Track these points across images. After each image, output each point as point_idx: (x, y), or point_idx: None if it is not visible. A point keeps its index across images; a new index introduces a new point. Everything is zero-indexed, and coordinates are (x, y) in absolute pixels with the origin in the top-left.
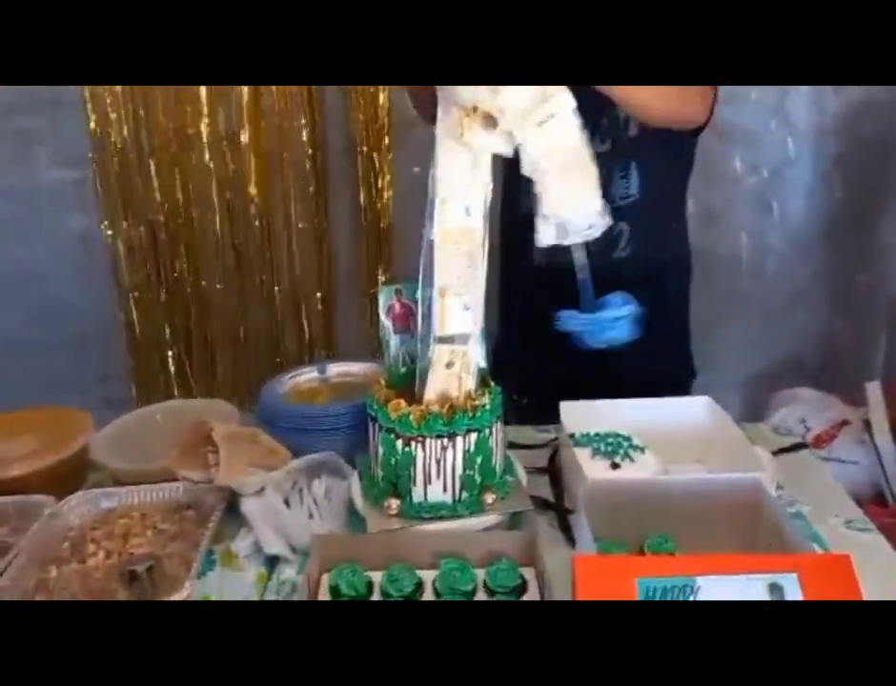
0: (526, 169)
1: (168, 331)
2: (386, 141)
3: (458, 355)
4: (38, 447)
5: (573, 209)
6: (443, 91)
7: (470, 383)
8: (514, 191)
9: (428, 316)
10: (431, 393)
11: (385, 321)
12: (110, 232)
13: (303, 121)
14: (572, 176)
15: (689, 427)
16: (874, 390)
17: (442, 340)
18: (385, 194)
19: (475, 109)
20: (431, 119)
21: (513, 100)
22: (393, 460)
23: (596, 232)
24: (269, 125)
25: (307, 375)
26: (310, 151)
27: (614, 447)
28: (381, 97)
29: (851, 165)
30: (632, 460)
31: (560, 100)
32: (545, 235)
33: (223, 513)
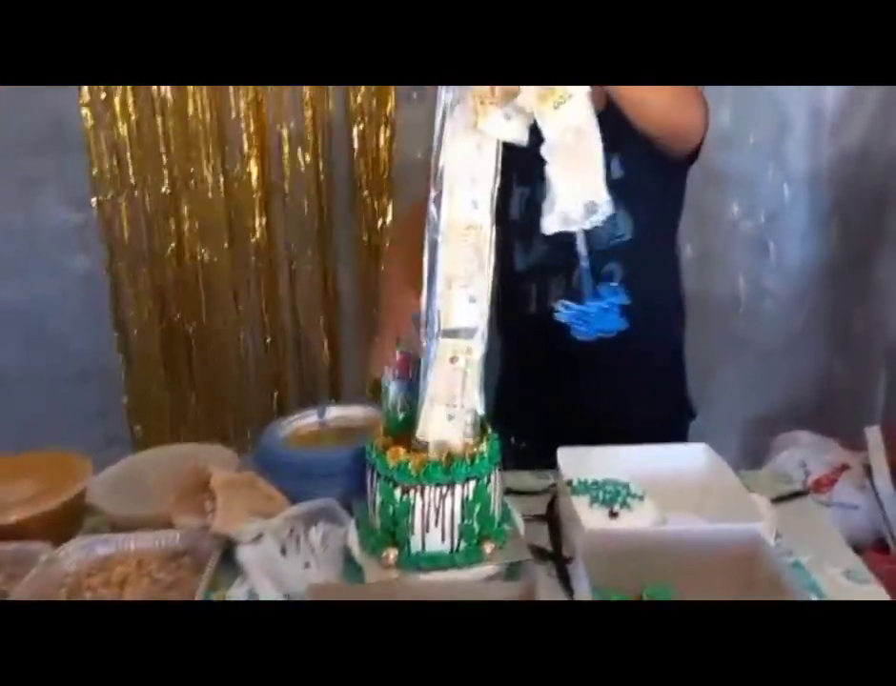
0: (545, 147)
1: (168, 370)
2: (387, 183)
3: (462, 350)
4: (37, 492)
5: (582, 191)
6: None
7: (475, 383)
8: (509, 248)
9: (432, 318)
10: (433, 390)
11: (384, 368)
12: (111, 272)
13: (308, 160)
14: (583, 159)
15: (687, 474)
16: (874, 434)
17: (447, 334)
18: (386, 237)
19: (492, 90)
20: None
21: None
22: (391, 509)
23: (601, 218)
24: (273, 163)
25: (307, 420)
26: (314, 191)
27: (612, 495)
28: (383, 138)
29: (847, 210)
30: (630, 508)
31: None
32: (550, 223)
33: (219, 560)
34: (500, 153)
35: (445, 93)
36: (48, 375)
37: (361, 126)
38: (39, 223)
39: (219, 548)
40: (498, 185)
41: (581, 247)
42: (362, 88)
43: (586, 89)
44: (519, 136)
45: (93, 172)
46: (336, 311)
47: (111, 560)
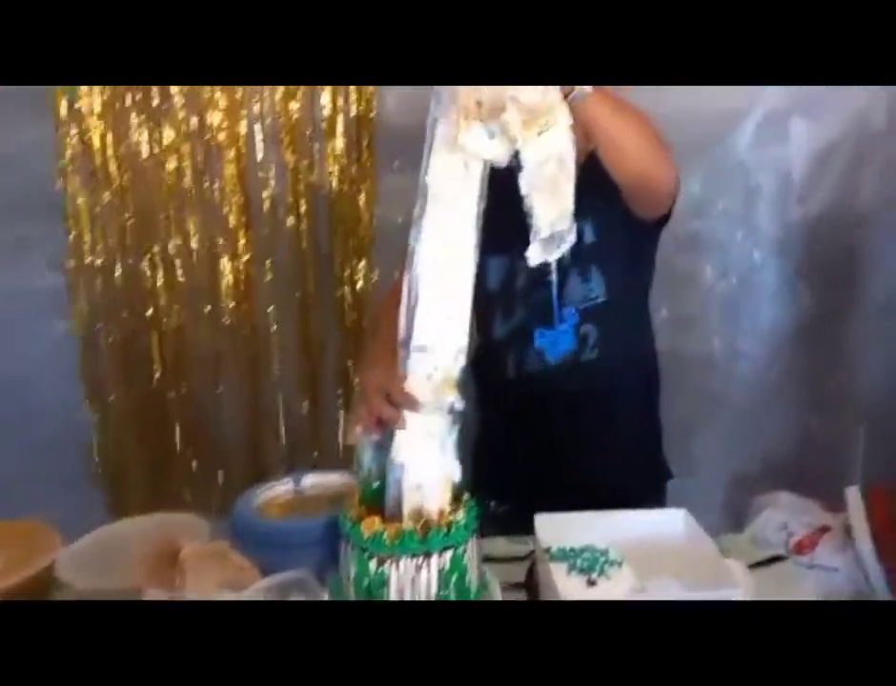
0: (525, 176)
1: (144, 436)
2: (366, 248)
3: (438, 368)
4: (3, 565)
5: (562, 220)
6: (443, 94)
7: (452, 393)
8: (488, 317)
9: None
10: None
11: (360, 435)
12: (87, 336)
13: (289, 223)
14: (560, 188)
15: (666, 540)
16: (853, 495)
17: (422, 349)
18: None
19: (479, 103)
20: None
21: (519, 95)
22: (366, 581)
23: (568, 245)
24: (255, 227)
25: (283, 487)
26: (295, 255)
27: (590, 562)
28: (363, 203)
29: (816, 272)
30: (608, 577)
31: (561, 112)
32: (535, 254)
33: None
34: (487, 175)
35: (433, 107)
36: (21, 441)
37: (343, 190)
38: (27, 286)
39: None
40: (483, 207)
41: (552, 272)
42: (344, 155)
43: (569, 118)
44: (500, 157)
45: (71, 237)
46: (317, 375)
47: None
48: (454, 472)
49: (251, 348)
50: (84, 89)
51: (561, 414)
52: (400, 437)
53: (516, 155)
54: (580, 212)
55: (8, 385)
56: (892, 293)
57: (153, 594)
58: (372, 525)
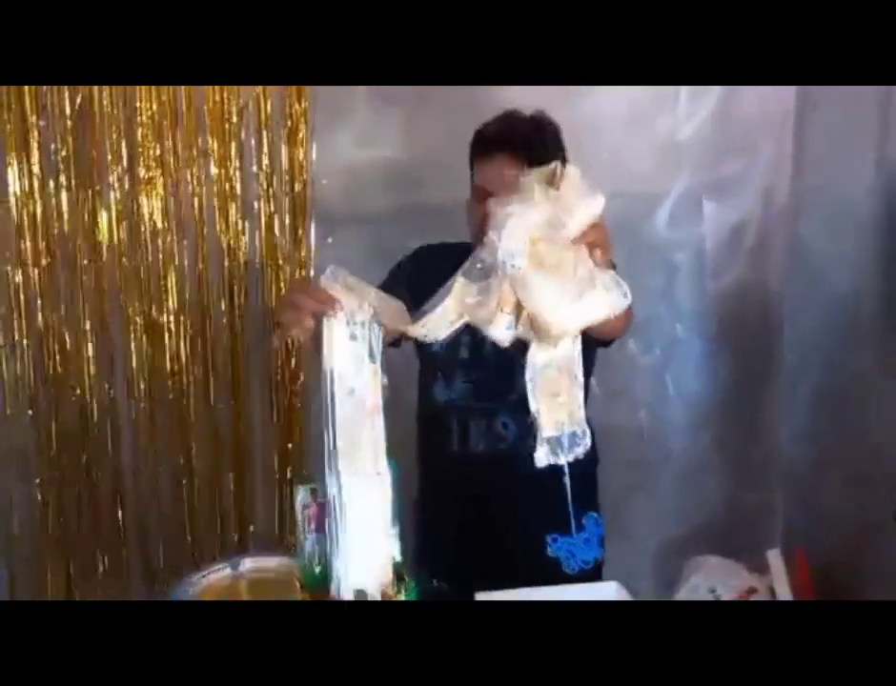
0: (529, 377)
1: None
2: None
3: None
4: None
5: (571, 423)
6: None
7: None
8: (430, 384)
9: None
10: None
11: (301, 521)
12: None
13: (224, 305)
14: (566, 392)
15: None
16: (775, 557)
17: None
18: (299, 377)
19: (514, 301)
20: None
21: (563, 326)
22: None
23: (582, 450)
24: (192, 308)
25: (220, 573)
26: (229, 336)
27: None
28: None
29: (731, 343)
30: None
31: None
32: (541, 455)
33: None
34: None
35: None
36: None
37: (277, 268)
38: None
39: None
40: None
41: (567, 481)
42: (276, 231)
43: (580, 326)
44: (506, 340)
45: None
46: (245, 454)
47: None
48: (394, 550)
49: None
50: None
51: (502, 492)
52: (341, 518)
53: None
54: None
55: None
56: (802, 364)
57: None
58: None
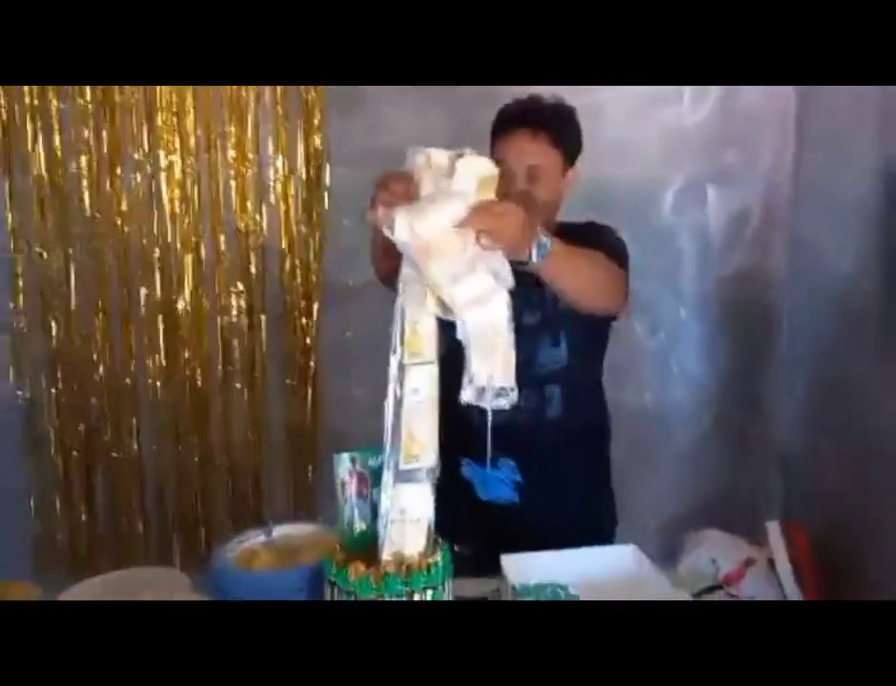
0: (459, 329)
1: (97, 497)
2: (316, 307)
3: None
4: None
5: (504, 379)
6: (406, 271)
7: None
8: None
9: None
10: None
11: (340, 488)
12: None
13: (240, 287)
14: (498, 351)
15: (618, 573)
16: (774, 529)
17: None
18: (313, 359)
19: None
20: (386, 280)
21: (456, 306)
22: None
23: (505, 405)
24: (206, 290)
25: (254, 539)
26: (246, 319)
27: (552, 595)
28: (315, 267)
29: (735, 327)
30: None
31: (499, 294)
32: (466, 395)
33: None
34: None
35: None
36: None
37: (294, 254)
38: None
39: None
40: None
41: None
42: (293, 217)
43: (507, 296)
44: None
45: (20, 298)
46: (266, 434)
47: None
48: (431, 516)
49: (203, 406)
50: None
51: (524, 464)
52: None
53: None
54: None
55: None
56: (801, 349)
57: None
58: (357, 570)
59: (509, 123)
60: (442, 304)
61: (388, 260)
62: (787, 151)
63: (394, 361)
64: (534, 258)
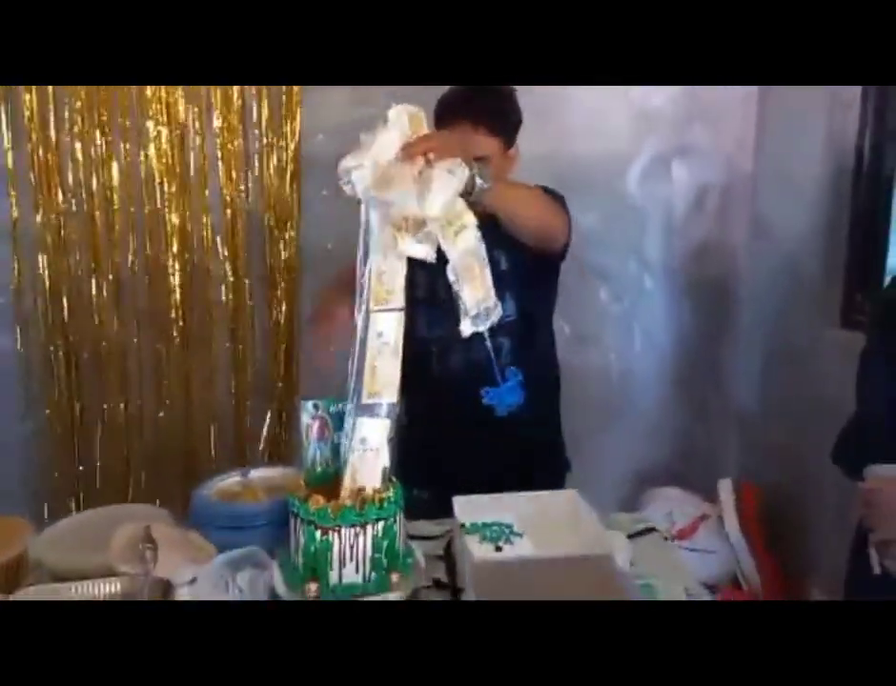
0: (451, 266)
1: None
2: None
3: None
4: None
5: (484, 299)
6: (377, 211)
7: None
8: (415, 320)
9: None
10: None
11: (305, 431)
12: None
13: (226, 254)
14: (478, 274)
15: (560, 515)
16: (725, 486)
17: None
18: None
19: (405, 219)
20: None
21: (434, 210)
22: (312, 548)
23: (496, 318)
24: (192, 249)
25: (231, 480)
26: (232, 280)
27: (497, 533)
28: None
29: (696, 296)
30: (512, 544)
31: (468, 217)
32: (465, 327)
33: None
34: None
35: (363, 215)
36: None
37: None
38: None
39: (158, 591)
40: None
41: (489, 343)
42: (275, 183)
43: (475, 221)
44: (427, 255)
45: (14, 263)
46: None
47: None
48: (385, 458)
49: (191, 361)
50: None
51: (477, 413)
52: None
53: (439, 251)
54: (496, 246)
55: None
56: (756, 317)
57: (125, 568)
58: (317, 502)
59: (450, 113)
60: (416, 235)
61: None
62: (749, 128)
63: (362, 308)
64: (477, 184)
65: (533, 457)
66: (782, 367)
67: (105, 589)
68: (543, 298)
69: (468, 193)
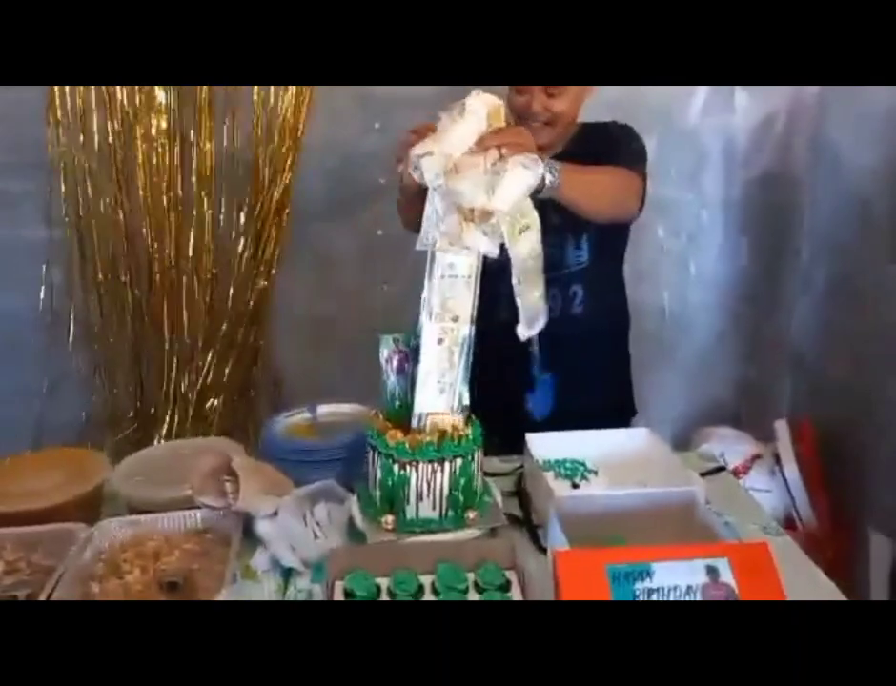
0: (515, 269)
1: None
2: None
3: (448, 332)
4: (64, 480)
5: (539, 301)
6: (444, 199)
7: (460, 363)
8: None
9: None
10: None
11: (384, 365)
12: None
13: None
14: (539, 277)
15: (632, 453)
16: (782, 426)
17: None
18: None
19: (472, 210)
20: (416, 228)
21: (503, 203)
22: (389, 482)
23: (542, 324)
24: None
25: (300, 416)
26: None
27: (572, 471)
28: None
29: (756, 231)
30: (588, 481)
31: (533, 216)
32: (522, 331)
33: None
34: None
35: (429, 206)
36: (22, 387)
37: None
38: (18, 237)
39: (240, 523)
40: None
41: (535, 347)
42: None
43: (538, 223)
44: (493, 250)
45: (63, 193)
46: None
47: (140, 537)
48: (464, 392)
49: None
50: None
51: (550, 357)
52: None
53: (502, 249)
54: None
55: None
56: (816, 252)
57: (207, 500)
58: (395, 436)
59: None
60: (482, 227)
61: (412, 210)
62: None
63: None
64: (548, 181)
65: (602, 401)
66: (842, 304)
67: (184, 522)
68: (617, 244)
69: (538, 191)
